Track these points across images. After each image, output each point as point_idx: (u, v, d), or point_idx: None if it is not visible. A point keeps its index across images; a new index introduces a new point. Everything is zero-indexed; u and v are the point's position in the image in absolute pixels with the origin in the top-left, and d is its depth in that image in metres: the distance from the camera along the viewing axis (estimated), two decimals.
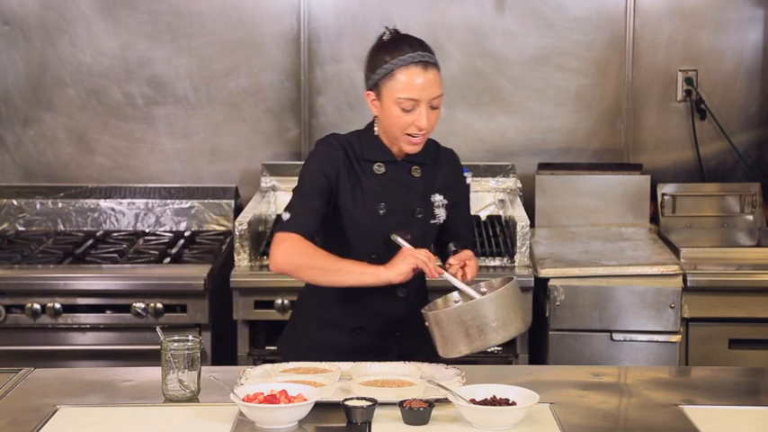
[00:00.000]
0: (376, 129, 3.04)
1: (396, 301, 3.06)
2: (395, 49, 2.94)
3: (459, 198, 3.14)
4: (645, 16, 4.88)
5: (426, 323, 2.82)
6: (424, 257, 2.85)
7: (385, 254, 2.97)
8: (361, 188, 3.01)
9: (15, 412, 2.64)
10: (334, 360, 2.91)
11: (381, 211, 2.99)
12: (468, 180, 3.22)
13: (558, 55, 4.89)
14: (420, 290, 3.12)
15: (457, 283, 2.89)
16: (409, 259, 2.85)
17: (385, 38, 2.99)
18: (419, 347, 2.97)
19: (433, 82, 2.91)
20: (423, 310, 2.85)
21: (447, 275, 2.88)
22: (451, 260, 2.96)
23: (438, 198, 3.07)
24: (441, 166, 3.11)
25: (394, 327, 3.07)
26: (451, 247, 3.02)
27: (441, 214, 3.07)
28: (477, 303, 2.76)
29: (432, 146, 3.11)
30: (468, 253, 2.98)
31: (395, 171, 3.04)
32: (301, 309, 3.20)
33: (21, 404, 2.70)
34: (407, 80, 2.90)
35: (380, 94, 2.95)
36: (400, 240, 2.93)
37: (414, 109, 2.92)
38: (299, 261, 2.92)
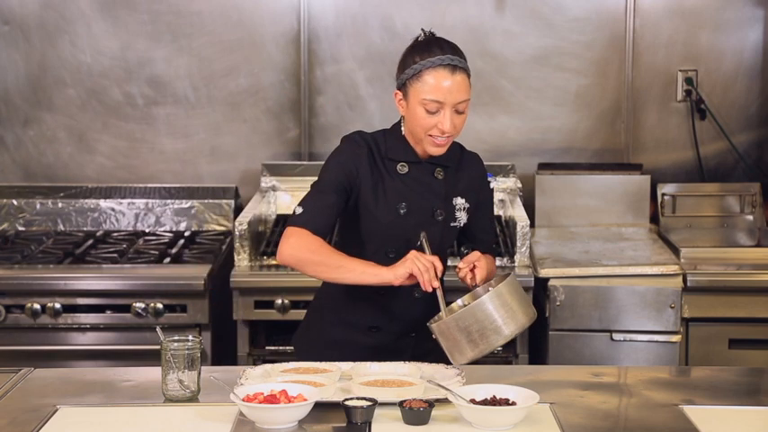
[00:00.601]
0: (402, 128, 3.04)
1: (412, 302, 3.06)
2: (425, 50, 2.93)
3: (480, 202, 3.14)
4: (645, 16, 4.88)
5: (433, 336, 2.82)
6: (422, 266, 2.82)
7: (403, 253, 2.97)
8: (383, 187, 3.01)
9: (15, 412, 2.64)
10: (349, 358, 2.92)
11: (402, 211, 2.99)
12: (492, 185, 3.21)
13: (558, 55, 4.89)
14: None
15: (440, 301, 2.86)
16: (408, 264, 2.84)
17: (420, 39, 2.99)
18: (433, 349, 2.95)
19: (460, 86, 2.91)
20: (428, 324, 2.84)
21: (438, 292, 2.86)
22: (460, 264, 2.95)
23: (460, 201, 3.07)
24: (464, 169, 3.11)
25: (409, 327, 3.07)
26: (462, 250, 3.02)
27: (461, 217, 3.07)
28: (472, 308, 2.76)
29: (456, 149, 3.12)
30: (476, 254, 2.96)
31: (418, 171, 3.04)
32: (317, 307, 3.20)
33: (21, 404, 2.70)
34: (434, 82, 2.90)
35: (407, 95, 2.95)
36: (422, 240, 2.92)
37: (438, 111, 2.91)
38: (304, 256, 2.92)
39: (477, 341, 2.74)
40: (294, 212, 2.99)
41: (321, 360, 2.91)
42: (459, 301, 2.93)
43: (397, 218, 3.00)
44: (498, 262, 4.18)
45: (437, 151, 2.99)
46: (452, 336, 2.76)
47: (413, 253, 2.87)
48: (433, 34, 3.00)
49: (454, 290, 3.17)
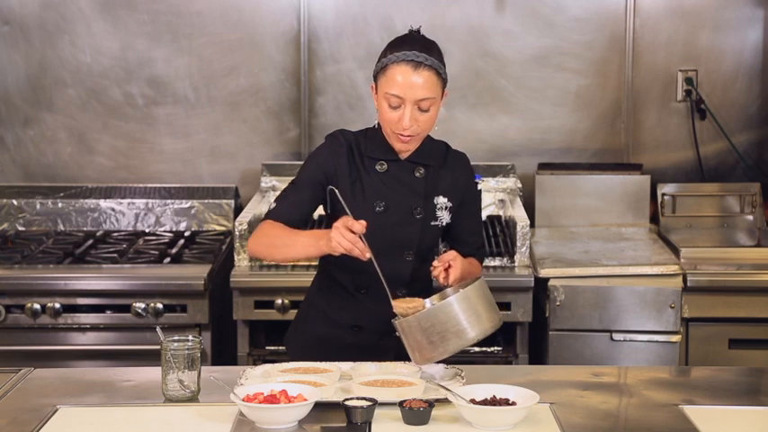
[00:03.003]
0: (376, 124, 3.05)
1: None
2: (395, 45, 2.95)
3: (465, 203, 3.12)
4: (645, 16, 4.88)
5: (396, 333, 2.81)
6: (348, 244, 2.76)
7: (381, 252, 2.97)
8: (361, 184, 3.02)
9: (15, 412, 2.64)
10: (334, 356, 2.93)
11: (378, 209, 2.99)
12: (480, 186, 3.20)
13: (557, 55, 4.89)
14: (423, 290, 3.11)
15: (378, 271, 2.82)
16: (333, 244, 2.78)
17: (400, 35, 3.00)
18: None
19: (423, 84, 2.90)
20: (392, 320, 2.83)
21: (373, 261, 2.81)
22: (435, 263, 2.94)
23: (441, 200, 3.06)
24: (448, 168, 3.09)
25: (391, 327, 3.03)
26: (441, 248, 2.99)
27: (443, 216, 3.06)
28: (436, 309, 2.74)
29: (441, 148, 3.11)
30: (452, 254, 2.95)
31: (397, 170, 3.04)
32: (306, 304, 3.22)
33: (21, 404, 2.71)
34: (395, 77, 2.91)
35: (377, 88, 2.98)
36: (338, 194, 2.87)
37: (400, 107, 2.92)
38: (261, 241, 2.99)
39: (437, 343, 2.71)
40: (269, 207, 3.06)
41: (309, 357, 2.92)
42: (428, 302, 2.89)
43: (373, 215, 2.99)
44: (498, 262, 4.18)
45: (402, 147, 3.00)
46: (412, 335, 2.74)
47: (334, 226, 2.80)
48: (417, 32, 3.00)
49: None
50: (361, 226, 2.79)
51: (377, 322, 3.04)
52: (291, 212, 3.01)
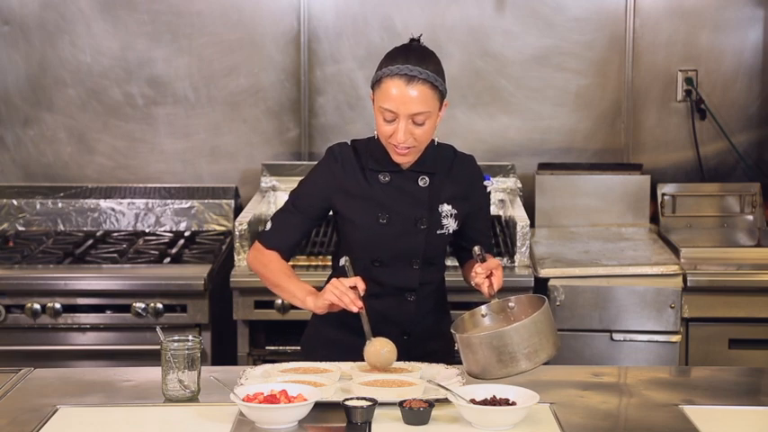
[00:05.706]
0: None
1: (404, 305, 3.04)
2: (391, 57, 2.92)
3: (474, 207, 3.09)
4: (645, 16, 4.88)
5: (456, 346, 2.79)
6: (338, 292, 2.85)
7: (387, 262, 2.97)
8: (363, 197, 3.00)
9: (15, 412, 2.64)
10: (346, 359, 2.92)
11: (382, 220, 2.98)
12: (489, 188, 3.17)
13: (557, 55, 4.89)
14: (434, 292, 3.10)
15: (364, 322, 2.87)
16: (326, 295, 2.88)
17: (398, 45, 2.97)
18: (427, 354, 2.94)
19: (416, 98, 2.86)
20: (452, 330, 2.80)
21: (362, 314, 2.87)
22: (478, 269, 2.89)
23: (446, 208, 3.03)
24: (453, 175, 3.06)
25: (402, 329, 3.04)
26: (476, 250, 2.92)
27: (449, 224, 3.03)
28: (511, 331, 2.69)
29: (448, 153, 3.08)
30: (495, 262, 2.92)
31: (400, 180, 3.01)
32: None
33: (21, 404, 2.71)
34: (388, 91, 2.87)
35: (373, 100, 2.95)
36: (345, 265, 2.94)
37: (394, 120, 2.89)
38: (259, 270, 3.10)
39: (507, 362, 2.68)
40: (265, 226, 3.11)
41: (321, 359, 2.91)
42: (484, 308, 2.87)
43: (377, 227, 2.98)
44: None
45: (400, 160, 2.97)
46: (480, 352, 2.69)
47: (332, 281, 2.90)
48: (415, 42, 2.96)
49: (456, 289, 3.20)
50: (362, 285, 2.87)
51: (387, 325, 3.01)
52: (284, 238, 3.07)
